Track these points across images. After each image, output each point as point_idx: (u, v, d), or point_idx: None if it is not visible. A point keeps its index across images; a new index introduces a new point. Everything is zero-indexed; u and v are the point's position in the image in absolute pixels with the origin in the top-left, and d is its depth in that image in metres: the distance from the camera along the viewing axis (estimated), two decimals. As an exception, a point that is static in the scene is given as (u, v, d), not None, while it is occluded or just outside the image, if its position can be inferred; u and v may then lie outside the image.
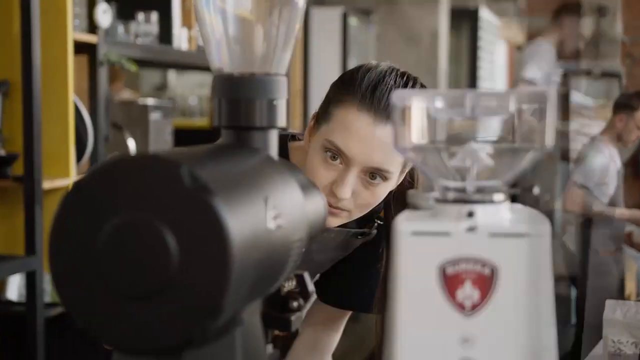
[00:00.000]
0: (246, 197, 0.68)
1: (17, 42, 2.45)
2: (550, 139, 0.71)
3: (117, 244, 0.64)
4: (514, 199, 0.75)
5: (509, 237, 0.69)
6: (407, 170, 1.35)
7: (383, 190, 1.30)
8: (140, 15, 3.09)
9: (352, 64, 5.99)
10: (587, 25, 4.56)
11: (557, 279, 4.17)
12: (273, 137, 0.85)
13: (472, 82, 7.52)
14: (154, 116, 3.12)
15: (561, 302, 4.31)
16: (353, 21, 5.08)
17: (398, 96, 0.72)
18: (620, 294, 4.38)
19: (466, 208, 0.71)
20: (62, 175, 2.57)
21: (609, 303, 2.01)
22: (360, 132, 1.24)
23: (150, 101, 3.22)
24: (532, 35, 10.20)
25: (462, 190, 0.73)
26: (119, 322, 0.64)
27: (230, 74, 0.84)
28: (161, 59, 3.11)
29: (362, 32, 5.24)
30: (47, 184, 2.48)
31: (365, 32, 5.14)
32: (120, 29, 3.00)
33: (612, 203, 4.32)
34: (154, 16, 3.10)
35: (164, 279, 0.62)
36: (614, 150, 4.26)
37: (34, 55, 2.41)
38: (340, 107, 1.26)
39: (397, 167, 1.28)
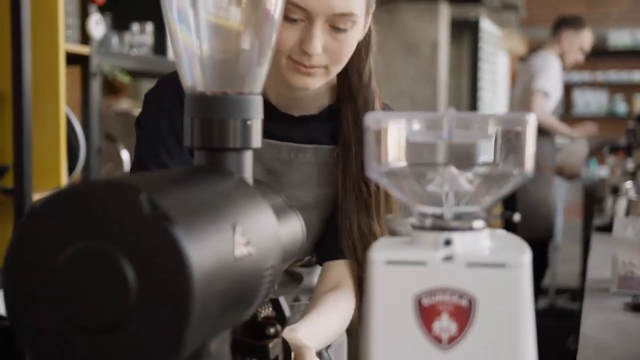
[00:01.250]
0: (211, 224, 0.65)
1: (7, 52, 2.42)
2: (530, 165, 0.67)
3: (73, 273, 0.60)
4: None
5: (487, 267, 0.66)
6: (372, 11, 1.30)
7: (353, 36, 1.24)
8: (135, 26, 3.07)
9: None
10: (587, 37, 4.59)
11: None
12: (247, 158, 0.82)
13: (473, 92, 7.49)
14: (149, 127, 3.08)
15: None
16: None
17: (372, 118, 0.69)
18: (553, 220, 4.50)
19: (443, 236, 0.68)
20: (53, 187, 2.54)
21: (618, 220, 1.90)
22: None
23: (145, 112, 3.19)
24: (533, 46, 10.20)
25: (440, 216, 0.70)
26: (76, 355, 0.61)
27: (202, 93, 0.81)
28: (155, 70, 3.08)
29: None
30: (37, 197, 2.45)
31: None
32: (115, 39, 2.98)
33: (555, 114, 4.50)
34: (149, 27, 3.08)
35: (122, 311, 0.59)
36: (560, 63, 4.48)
37: (25, 65, 2.39)
38: None
39: (361, 7, 1.23)
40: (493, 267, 0.66)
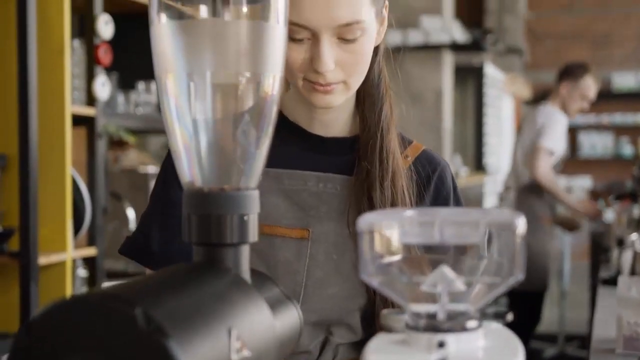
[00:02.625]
0: (207, 331, 0.66)
1: (14, 115, 2.45)
2: (520, 268, 0.68)
3: (70, 386, 0.61)
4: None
5: (481, 370, 0.66)
6: (385, 12, 1.23)
7: (366, 44, 1.16)
8: (141, 85, 3.11)
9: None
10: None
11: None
12: (244, 253, 0.83)
13: (478, 137, 7.52)
14: (155, 184, 3.11)
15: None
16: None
17: (365, 221, 0.71)
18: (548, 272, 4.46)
19: (437, 338, 0.68)
20: (59, 249, 2.55)
21: (622, 279, 1.88)
22: None
23: (151, 169, 3.22)
24: (537, 90, 10.27)
25: (434, 316, 0.70)
26: None
27: (200, 189, 0.82)
28: (161, 127, 3.11)
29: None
30: (43, 260, 2.46)
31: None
32: (121, 98, 3.01)
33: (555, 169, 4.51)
34: (154, 86, 3.12)
35: None
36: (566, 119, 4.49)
37: (32, 129, 2.42)
38: None
39: (368, 12, 1.14)
40: (486, 370, 0.66)
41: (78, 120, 2.68)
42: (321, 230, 1.21)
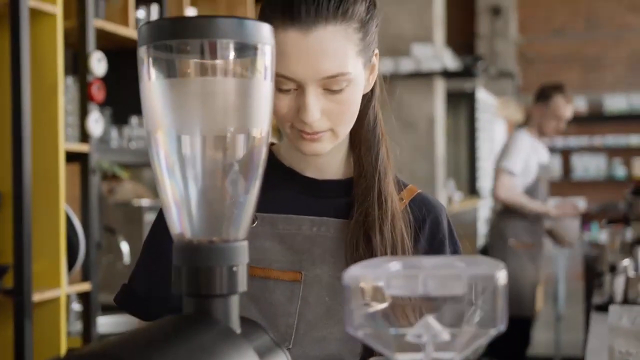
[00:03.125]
0: (196, 387, 0.67)
1: (8, 152, 2.47)
2: (501, 319, 0.70)
3: None
4: None
5: (464, 420, 0.68)
6: (375, 59, 1.23)
7: (352, 94, 1.17)
8: (134, 119, 3.13)
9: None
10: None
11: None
12: (234, 303, 0.84)
13: (472, 162, 7.55)
14: (149, 217, 3.13)
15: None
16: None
17: (350, 275, 0.72)
18: (532, 297, 4.43)
19: (423, 387, 0.70)
20: (53, 286, 2.56)
21: (613, 309, 1.89)
22: (294, 50, 1.12)
23: (145, 202, 3.23)
24: (529, 113, 10.33)
25: (419, 366, 0.72)
26: None
27: (190, 241, 0.84)
28: (154, 162, 3.12)
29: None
30: (37, 296, 2.47)
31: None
32: (114, 133, 3.04)
33: (529, 195, 4.45)
34: (148, 120, 3.15)
35: None
36: (536, 141, 4.46)
37: (26, 166, 2.43)
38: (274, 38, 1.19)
39: (354, 64, 1.15)
40: (470, 421, 0.68)
41: (72, 157, 2.70)
42: (314, 273, 1.22)
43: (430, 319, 0.73)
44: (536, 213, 4.48)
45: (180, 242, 0.84)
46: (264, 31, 0.84)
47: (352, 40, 1.15)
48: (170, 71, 0.84)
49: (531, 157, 4.46)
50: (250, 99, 0.84)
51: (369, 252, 1.21)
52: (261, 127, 0.85)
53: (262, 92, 0.85)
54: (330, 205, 1.26)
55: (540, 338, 6.76)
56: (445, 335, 0.72)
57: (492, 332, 0.71)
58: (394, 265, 0.75)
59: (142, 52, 0.83)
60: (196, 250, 0.83)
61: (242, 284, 0.84)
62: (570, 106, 4.58)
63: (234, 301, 0.84)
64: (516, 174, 4.36)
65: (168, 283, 1.26)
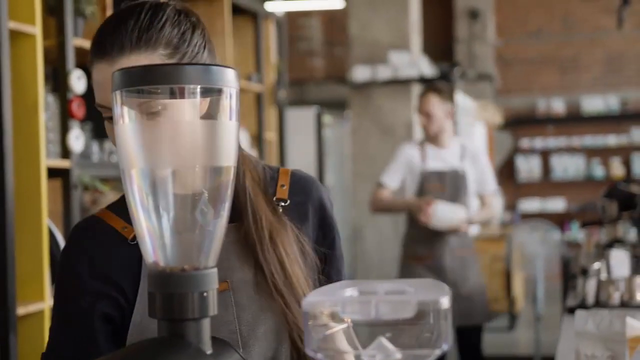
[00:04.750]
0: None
1: (-10, 170, 2.52)
2: (445, 340, 0.77)
3: None
4: None
5: None
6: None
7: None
8: (114, 133, 3.19)
9: (328, 159, 6.13)
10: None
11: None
12: (205, 326, 0.91)
13: (451, 165, 7.62)
14: (130, 229, 3.18)
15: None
16: (327, 118, 5.20)
17: (308, 302, 0.80)
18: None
19: (375, 404, 0.77)
20: (37, 299, 2.62)
21: (579, 313, 1.95)
22: (105, 80, 1.20)
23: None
24: (508, 115, 10.46)
25: (373, 383, 0.79)
26: None
27: (163, 269, 0.91)
28: (135, 175, 3.18)
29: (337, 127, 5.37)
30: (21, 310, 2.53)
31: (340, 127, 5.29)
32: (95, 147, 3.09)
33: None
34: (128, 133, 3.21)
35: None
36: (415, 151, 4.21)
37: (8, 182, 2.49)
38: (91, 69, 1.24)
39: None
40: None
41: (53, 172, 2.75)
42: (238, 278, 1.28)
43: (383, 340, 0.80)
44: (402, 208, 4.28)
45: (153, 270, 0.91)
46: (228, 75, 0.91)
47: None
48: (141, 114, 0.91)
49: (407, 168, 4.26)
50: (217, 137, 0.91)
51: (261, 268, 1.28)
52: (228, 161, 0.93)
53: (228, 130, 0.92)
54: None
55: (521, 337, 6.86)
56: (397, 355, 0.80)
57: (438, 352, 0.79)
58: (349, 292, 0.82)
59: (116, 96, 0.89)
60: (169, 277, 0.90)
61: (213, 308, 0.91)
62: (420, 100, 4.26)
63: (205, 324, 0.91)
64: (387, 185, 4.19)
65: (91, 344, 1.25)
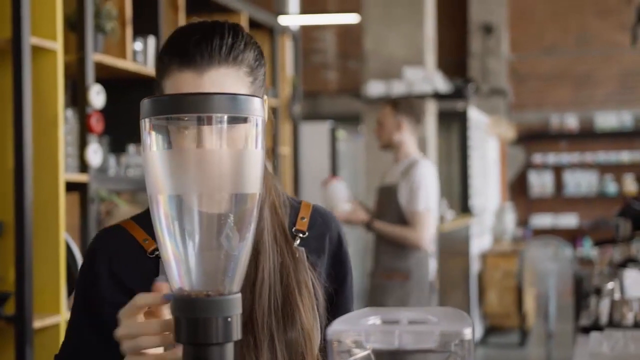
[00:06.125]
0: None
1: (9, 183, 2.55)
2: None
3: None
4: None
5: None
6: (264, 102, 1.27)
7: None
8: (132, 148, 3.21)
9: (341, 173, 6.14)
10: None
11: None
12: (229, 351, 0.93)
13: (464, 180, 7.63)
14: (145, 242, 3.19)
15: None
16: (341, 134, 5.22)
17: (333, 331, 0.81)
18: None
19: None
20: (53, 312, 2.64)
21: (594, 336, 1.95)
22: (190, 89, 1.20)
23: (141, 227, 3.30)
24: (522, 130, 10.45)
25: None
26: None
27: (188, 295, 0.92)
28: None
29: (350, 142, 5.38)
30: (38, 323, 2.55)
31: (354, 142, 5.29)
32: (112, 161, 3.12)
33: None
34: (145, 148, 3.23)
35: None
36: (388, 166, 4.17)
37: (27, 196, 2.52)
38: (166, 78, 1.23)
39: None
40: None
41: (71, 186, 2.78)
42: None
43: (405, 369, 0.81)
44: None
45: (179, 295, 0.93)
46: (255, 104, 0.92)
47: (242, 82, 1.24)
48: (169, 142, 0.93)
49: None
50: (243, 165, 0.93)
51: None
52: (253, 188, 0.94)
53: (254, 159, 0.93)
54: None
55: (532, 354, 6.84)
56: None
57: (460, 382, 0.80)
58: (372, 321, 0.83)
59: (144, 124, 0.91)
60: (194, 302, 0.91)
61: (237, 333, 0.93)
62: (383, 113, 4.18)
63: (229, 349, 0.93)
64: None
65: (108, 349, 1.26)
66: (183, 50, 1.21)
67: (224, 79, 1.21)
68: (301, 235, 1.34)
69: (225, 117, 0.90)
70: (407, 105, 4.18)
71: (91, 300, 1.29)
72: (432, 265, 4.19)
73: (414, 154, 4.16)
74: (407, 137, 4.13)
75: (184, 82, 1.21)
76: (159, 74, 1.25)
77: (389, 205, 4.08)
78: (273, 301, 1.26)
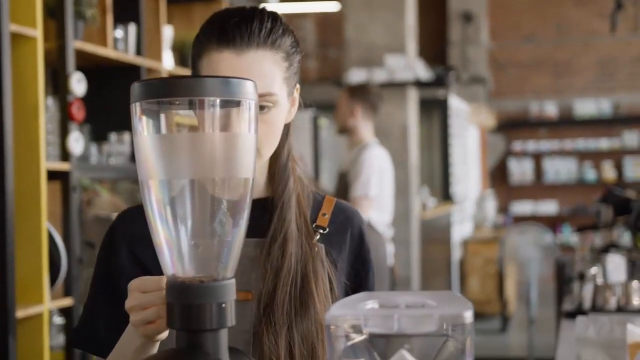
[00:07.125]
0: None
1: (-10, 172, 2.52)
2: (470, 355, 0.78)
3: None
4: None
5: None
6: (296, 93, 1.33)
7: (277, 115, 1.26)
8: (113, 136, 3.19)
9: (324, 163, 6.13)
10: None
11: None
12: (223, 336, 0.92)
13: (445, 167, 7.66)
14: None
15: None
16: (323, 122, 5.21)
17: (331, 315, 0.80)
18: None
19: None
20: (36, 302, 2.61)
21: (580, 320, 1.96)
22: (229, 69, 1.21)
23: (123, 216, 3.28)
24: (502, 118, 10.48)
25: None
26: None
27: (182, 282, 0.91)
28: (133, 177, 3.19)
29: (332, 130, 5.37)
30: (20, 313, 2.52)
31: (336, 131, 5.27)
32: (94, 150, 3.09)
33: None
34: (127, 136, 3.20)
35: None
36: None
37: (8, 185, 2.48)
38: (203, 58, 1.24)
39: (280, 88, 1.25)
40: None
41: (53, 175, 2.75)
42: (261, 290, 1.27)
43: (405, 352, 0.80)
44: None
45: (173, 281, 0.92)
46: (248, 87, 0.91)
47: (279, 66, 1.26)
48: (160, 126, 0.91)
49: None
50: (236, 149, 0.92)
51: (265, 272, 1.27)
52: (247, 173, 0.93)
53: (247, 142, 0.92)
54: (257, 227, 1.29)
55: (514, 340, 6.88)
56: (417, 367, 0.80)
57: (460, 366, 0.79)
58: (370, 305, 0.82)
59: (135, 108, 0.90)
60: (188, 289, 0.90)
61: (231, 319, 0.92)
62: (339, 98, 4.27)
63: (223, 334, 0.92)
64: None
65: (125, 319, 1.26)
66: (222, 30, 1.22)
67: (262, 61, 1.23)
68: (321, 231, 1.34)
69: (218, 100, 0.89)
70: (361, 92, 4.22)
71: (110, 273, 1.30)
72: (390, 249, 4.23)
73: (367, 140, 4.19)
74: (360, 124, 4.16)
75: (222, 61, 1.22)
76: (194, 55, 1.26)
77: (343, 192, 4.13)
78: (292, 290, 1.26)
